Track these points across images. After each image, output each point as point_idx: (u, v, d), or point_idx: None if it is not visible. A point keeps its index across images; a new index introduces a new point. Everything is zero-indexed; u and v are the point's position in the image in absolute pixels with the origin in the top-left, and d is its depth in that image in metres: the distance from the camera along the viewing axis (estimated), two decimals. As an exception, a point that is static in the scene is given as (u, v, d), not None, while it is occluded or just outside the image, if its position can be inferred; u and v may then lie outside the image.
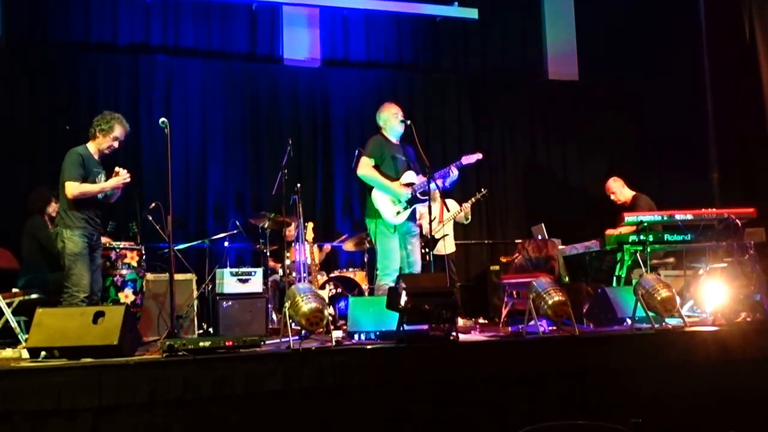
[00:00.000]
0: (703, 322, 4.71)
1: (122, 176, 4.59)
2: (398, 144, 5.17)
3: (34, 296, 4.84)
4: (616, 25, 8.81)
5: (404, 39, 8.28)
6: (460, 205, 6.55)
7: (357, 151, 5.16)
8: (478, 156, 5.24)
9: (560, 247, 6.33)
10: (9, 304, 4.63)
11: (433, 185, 4.81)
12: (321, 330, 4.07)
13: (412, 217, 5.10)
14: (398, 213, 4.94)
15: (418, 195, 4.97)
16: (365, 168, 5.00)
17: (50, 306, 4.16)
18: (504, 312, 5.63)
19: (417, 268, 5.08)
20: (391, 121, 5.12)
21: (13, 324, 4.53)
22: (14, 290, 4.87)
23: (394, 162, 5.04)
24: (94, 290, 4.52)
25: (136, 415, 3.22)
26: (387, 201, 4.95)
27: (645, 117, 8.72)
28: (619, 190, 6.55)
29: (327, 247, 6.85)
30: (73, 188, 4.45)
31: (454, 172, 5.05)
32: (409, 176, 5.03)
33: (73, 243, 4.41)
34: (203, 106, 7.37)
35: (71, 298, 4.35)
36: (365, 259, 6.70)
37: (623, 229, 5.70)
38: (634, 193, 6.52)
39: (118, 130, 4.66)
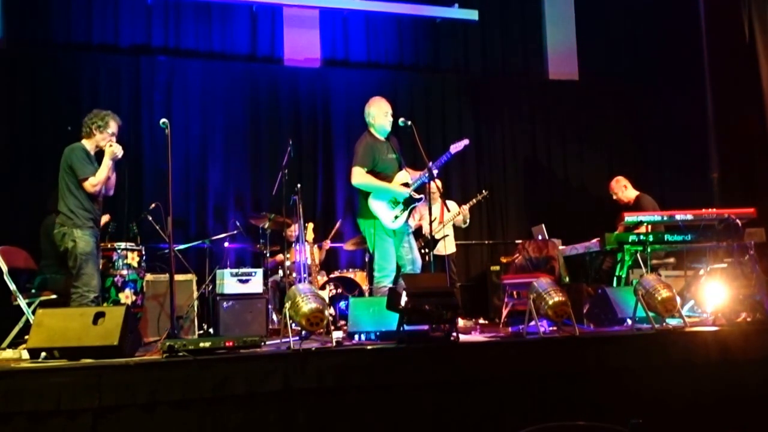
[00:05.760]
0: (704, 322, 4.71)
1: (114, 147, 4.58)
2: (385, 141, 5.11)
3: (53, 297, 4.85)
4: (616, 25, 8.83)
5: (405, 40, 8.29)
6: (461, 207, 6.55)
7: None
8: (465, 142, 5.19)
9: (560, 247, 6.34)
10: (29, 304, 4.66)
11: (432, 184, 4.80)
12: (321, 330, 4.07)
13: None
14: (396, 217, 4.93)
15: (414, 195, 4.96)
16: (360, 177, 4.92)
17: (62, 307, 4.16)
18: (504, 312, 5.63)
19: (418, 266, 5.07)
20: (380, 118, 5.06)
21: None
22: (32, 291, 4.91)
23: (385, 164, 5.01)
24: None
25: (136, 415, 3.23)
26: (384, 207, 4.92)
27: (645, 117, 8.73)
28: (622, 189, 6.55)
29: (326, 243, 6.84)
30: (93, 183, 4.48)
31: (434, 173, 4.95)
32: (401, 177, 5.02)
33: (84, 242, 4.40)
34: (204, 106, 7.38)
35: (81, 298, 4.32)
36: (365, 260, 6.70)
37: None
38: (637, 193, 6.53)
39: (114, 126, 4.69)
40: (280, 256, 6.47)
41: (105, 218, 5.14)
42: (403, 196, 4.93)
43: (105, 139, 4.63)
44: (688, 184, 8.15)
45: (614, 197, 6.62)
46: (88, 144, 4.65)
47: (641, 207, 6.22)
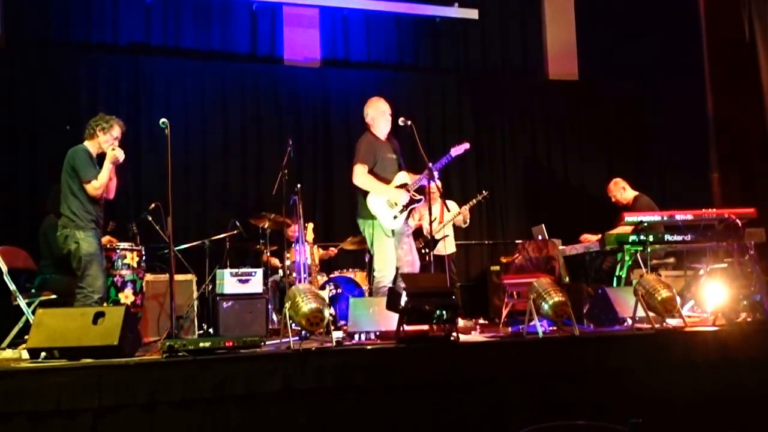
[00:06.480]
0: (704, 322, 4.71)
1: (116, 151, 4.58)
2: (386, 141, 5.11)
3: (53, 297, 4.85)
4: (616, 25, 8.82)
5: (404, 39, 8.28)
6: (461, 207, 6.54)
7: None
8: (466, 146, 5.20)
9: (561, 247, 6.33)
10: (29, 304, 4.65)
11: (432, 184, 4.80)
12: (321, 330, 4.07)
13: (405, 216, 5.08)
14: (395, 217, 4.92)
15: (413, 196, 4.96)
16: (361, 176, 4.93)
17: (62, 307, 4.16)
18: (504, 312, 5.62)
19: (416, 266, 5.06)
20: (378, 118, 5.08)
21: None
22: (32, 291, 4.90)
23: (386, 163, 5.01)
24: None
25: (136, 415, 3.23)
26: (383, 206, 4.92)
27: (645, 117, 8.73)
28: (621, 191, 6.55)
29: (333, 251, 6.83)
30: (95, 186, 4.48)
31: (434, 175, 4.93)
32: (401, 177, 5.02)
33: (88, 243, 4.40)
34: (203, 106, 7.37)
35: (86, 298, 4.32)
36: (365, 259, 6.69)
37: (621, 229, 5.70)
38: (636, 193, 6.52)
39: (117, 130, 4.70)
40: (274, 260, 6.48)
41: (106, 239, 5.14)
42: (402, 201, 4.92)
43: (108, 141, 4.64)
44: (688, 184, 8.15)
45: (613, 199, 6.62)
46: (91, 146, 4.66)
47: (639, 208, 6.21)
